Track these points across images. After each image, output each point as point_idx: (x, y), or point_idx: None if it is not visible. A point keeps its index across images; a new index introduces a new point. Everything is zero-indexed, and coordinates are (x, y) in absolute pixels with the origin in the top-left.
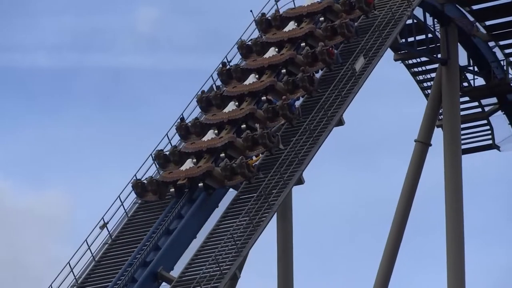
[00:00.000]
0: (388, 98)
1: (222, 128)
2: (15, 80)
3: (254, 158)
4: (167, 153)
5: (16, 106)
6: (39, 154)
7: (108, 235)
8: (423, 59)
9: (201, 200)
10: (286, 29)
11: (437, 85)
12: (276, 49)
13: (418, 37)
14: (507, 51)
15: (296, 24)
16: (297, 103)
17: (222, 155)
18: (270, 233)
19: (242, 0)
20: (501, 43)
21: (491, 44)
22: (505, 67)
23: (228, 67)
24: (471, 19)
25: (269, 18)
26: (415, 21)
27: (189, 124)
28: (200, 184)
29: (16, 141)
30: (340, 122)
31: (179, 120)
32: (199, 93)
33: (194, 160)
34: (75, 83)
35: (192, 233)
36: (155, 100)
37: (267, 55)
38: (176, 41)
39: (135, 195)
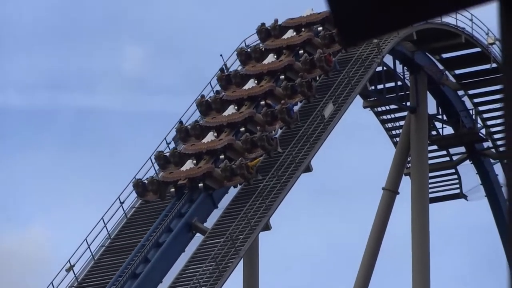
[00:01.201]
0: (357, 145)
1: (221, 131)
2: None
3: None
4: (167, 154)
5: None
6: (10, 194)
7: (74, 278)
8: (392, 106)
9: (167, 244)
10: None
11: (406, 133)
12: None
13: (387, 85)
14: (476, 100)
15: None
16: (295, 108)
17: (222, 156)
18: (236, 278)
19: (215, 41)
20: (470, 92)
21: (460, 93)
22: (473, 116)
23: (227, 73)
24: (441, 67)
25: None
26: (384, 68)
27: (189, 126)
28: (200, 185)
29: None
30: (308, 169)
31: (179, 123)
32: (199, 97)
33: (194, 161)
34: (47, 122)
35: (158, 278)
36: (127, 141)
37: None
38: (151, 82)
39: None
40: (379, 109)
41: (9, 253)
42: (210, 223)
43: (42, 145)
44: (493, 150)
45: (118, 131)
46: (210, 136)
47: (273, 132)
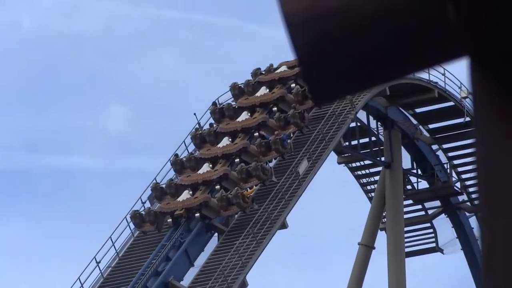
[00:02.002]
0: (332, 201)
1: (216, 163)
2: None
3: (248, 189)
4: (164, 186)
5: None
6: None
7: None
8: (367, 162)
9: None
10: (239, 119)
11: (381, 188)
12: (249, 114)
13: (361, 140)
14: (450, 154)
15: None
16: (289, 141)
17: (218, 187)
18: None
19: (195, 99)
20: (444, 146)
21: (435, 147)
22: (448, 170)
23: (220, 106)
24: (414, 122)
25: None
26: (358, 124)
27: (184, 159)
28: (197, 214)
29: None
30: (284, 225)
31: (174, 156)
32: (193, 130)
33: (191, 192)
34: (23, 183)
35: None
36: (103, 201)
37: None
38: (127, 142)
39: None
40: (354, 164)
41: None
42: (186, 281)
43: (15, 207)
44: (468, 203)
45: (95, 190)
46: (205, 167)
47: (267, 163)
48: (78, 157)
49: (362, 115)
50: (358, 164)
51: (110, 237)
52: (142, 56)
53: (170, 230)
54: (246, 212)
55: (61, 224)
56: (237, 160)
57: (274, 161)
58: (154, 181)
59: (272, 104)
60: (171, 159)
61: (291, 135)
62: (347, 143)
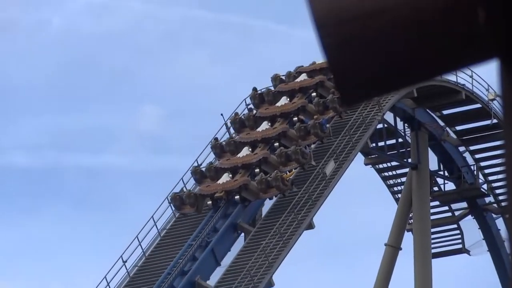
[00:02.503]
0: (359, 202)
1: (255, 147)
2: None
3: (288, 173)
4: (204, 169)
5: None
6: (15, 253)
7: None
8: (394, 163)
9: None
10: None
11: (408, 190)
12: (288, 99)
13: (388, 142)
14: (477, 156)
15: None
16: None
17: (257, 170)
18: None
19: (217, 104)
20: (471, 148)
21: (461, 149)
22: (475, 172)
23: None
24: (441, 124)
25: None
26: (385, 125)
27: (224, 142)
28: (237, 197)
29: None
30: (310, 226)
31: (213, 139)
32: (233, 115)
33: (230, 175)
34: (53, 182)
35: None
36: (130, 200)
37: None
38: (159, 142)
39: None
40: (381, 166)
41: None
42: (213, 280)
43: (45, 205)
44: (495, 205)
45: (125, 190)
46: (245, 151)
47: (306, 147)
48: (109, 156)
49: (389, 116)
50: (385, 165)
51: (137, 236)
52: (174, 56)
53: (209, 212)
54: (285, 195)
55: (89, 223)
56: (276, 144)
57: (313, 145)
58: (195, 163)
59: (312, 89)
60: (211, 142)
61: (330, 120)
62: (374, 145)
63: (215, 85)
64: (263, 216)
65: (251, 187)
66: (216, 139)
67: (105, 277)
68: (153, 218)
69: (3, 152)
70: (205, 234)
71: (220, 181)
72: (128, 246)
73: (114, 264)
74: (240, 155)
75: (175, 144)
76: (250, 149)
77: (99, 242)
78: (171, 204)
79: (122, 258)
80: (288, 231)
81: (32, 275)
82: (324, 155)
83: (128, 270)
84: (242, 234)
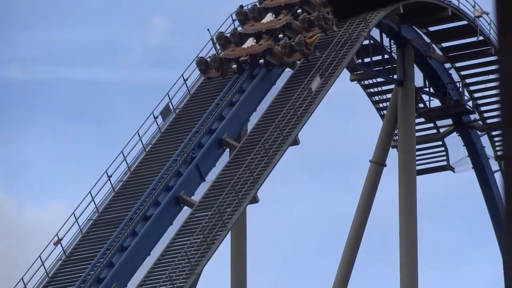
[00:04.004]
0: (344, 118)
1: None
2: None
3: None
4: (228, 35)
5: None
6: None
7: (62, 251)
8: (379, 79)
9: (155, 217)
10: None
11: (393, 106)
12: (273, 15)
13: (374, 58)
14: (462, 72)
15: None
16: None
17: (281, 35)
18: (224, 251)
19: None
20: (457, 64)
21: (447, 65)
22: (460, 89)
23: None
24: (427, 40)
25: (227, 35)
26: (371, 41)
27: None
28: (261, 61)
29: None
30: (295, 142)
31: (218, 33)
32: (218, 32)
33: (255, 40)
34: (47, 96)
35: (146, 251)
36: (121, 113)
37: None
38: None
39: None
40: (366, 82)
41: None
42: (197, 196)
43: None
44: (480, 122)
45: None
46: (250, 42)
47: (329, 12)
48: (97, 69)
49: (375, 32)
50: (370, 81)
51: (122, 151)
52: None
53: (234, 76)
54: (308, 59)
55: (79, 137)
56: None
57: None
58: (217, 32)
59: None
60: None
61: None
62: (360, 61)
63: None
64: (248, 131)
65: (275, 51)
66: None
67: (89, 192)
68: (138, 133)
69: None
70: (190, 149)
71: (245, 45)
72: (113, 161)
73: (99, 179)
74: (264, 20)
75: (181, 56)
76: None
77: (88, 156)
78: (198, 68)
79: (107, 173)
80: (273, 147)
81: (19, 189)
82: (310, 71)
83: (113, 185)
84: (227, 150)
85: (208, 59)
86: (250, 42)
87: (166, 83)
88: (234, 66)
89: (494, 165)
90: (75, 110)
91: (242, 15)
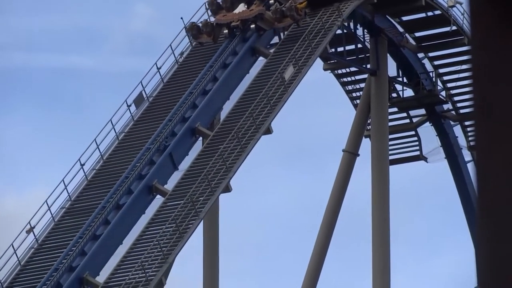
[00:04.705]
0: (317, 107)
1: (251, 3)
2: None
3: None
4: (219, 1)
5: None
6: None
7: (35, 239)
8: (353, 69)
9: (127, 206)
10: None
11: (366, 96)
12: (246, 6)
13: (347, 47)
14: (436, 62)
15: (246, 6)
16: None
17: (272, 1)
18: (196, 240)
19: (174, 7)
20: (430, 54)
21: (420, 55)
22: (433, 79)
23: None
24: (401, 30)
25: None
26: (345, 31)
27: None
28: (252, 26)
29: None
30: (268, 131)
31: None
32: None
33: (246, 5)
34: (18, 83)
35: (119, 239)
36: (97, 101)
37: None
38: (119, 43)
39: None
40: (340, 71)
41: None
42: (170, 185)
43: (11, 106)
44: (453, 112)
45: (86, 92)
46: (241, 7)
47: None
48: (69, 57)
49: (349, 22)
50: (344, 71)
51: (95, 139)
52: None
53: (225, 41)
54: (299, 24)
55: (52, 125)
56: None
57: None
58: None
59: None
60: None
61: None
62: (333, 50)
63: None
64: (221, 120)
65: (267, 17)
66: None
67: (62, 180)
68: (111, 122)
69: None
70: (163, 138)
71: (237, 11)
72: (86, 149)
73: (72, 167)
74: (236, 11)
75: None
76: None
77: (62, 144)
78: (188, 34)
79: (80, 161)
80: (246, 135)
81: None
82: (283, 60)
83: (86, 174)
84: (200, 138)
85: (200, 25)
86: (241, 7)
87: (143, 71)
88: (226, 31)
89: (467, 155)
90: (49, 98)
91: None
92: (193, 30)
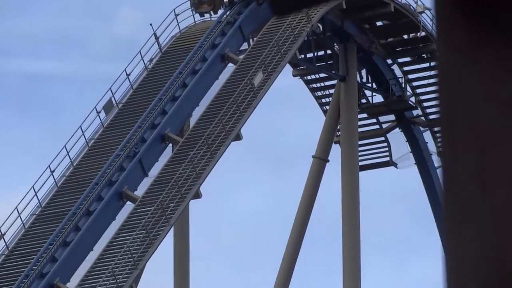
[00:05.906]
0: (287, 113)
1: None
2: None
3: None
4: None
5: None
6: None
7: (5, 246)
8: (322, 75)
9: (98, 212)
10: None
11: (336, 101)
12: None
13: (317, 53)
14: (405, 68)
15: None
16: None
17: None
18: (167, 246)
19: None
20: (399, 60)
21: (390, 61)
22: (403, 85)
23: None
24: (370, 36)
25: None
26: (314, 37)
27: None
28: None
29: None
30: (238, 137)
31: None
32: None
33: None
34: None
35: (89, 246)
36: (69, 107)
37: None
38: (102, 48)
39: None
40: (309, 77)
41: None
42: (140, 191)
43: None
44: (422, 118)
45: (58, 98)
46: None
47: None
48: (45, 62)
49: (318, 28)
50: (313, 77)
51: (65, 146)
52: None
53: (225, 9)
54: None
55: (25, 131)
56: None
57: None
58: None
59: None
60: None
61: None
62: (302, 56)
63: None
64: (191, 126)
65: None
66: None
67: (32, 186)
68: (81, 128)
69: None
70: (133, 144)
71: None
72: (56, 156)
73: (42, 174)
74: None
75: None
76: None
77: (32, 150)
78: (190, 3)
79: (50, 168)
80: (215, 142)
81: None
82: (252, 66)
83: (56, 180)
84: (170, 145)
85: None
86: None
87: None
88: (226, 0)
89: (437, 161)
90: (21, 103)
91: None
92: (194, 0)
